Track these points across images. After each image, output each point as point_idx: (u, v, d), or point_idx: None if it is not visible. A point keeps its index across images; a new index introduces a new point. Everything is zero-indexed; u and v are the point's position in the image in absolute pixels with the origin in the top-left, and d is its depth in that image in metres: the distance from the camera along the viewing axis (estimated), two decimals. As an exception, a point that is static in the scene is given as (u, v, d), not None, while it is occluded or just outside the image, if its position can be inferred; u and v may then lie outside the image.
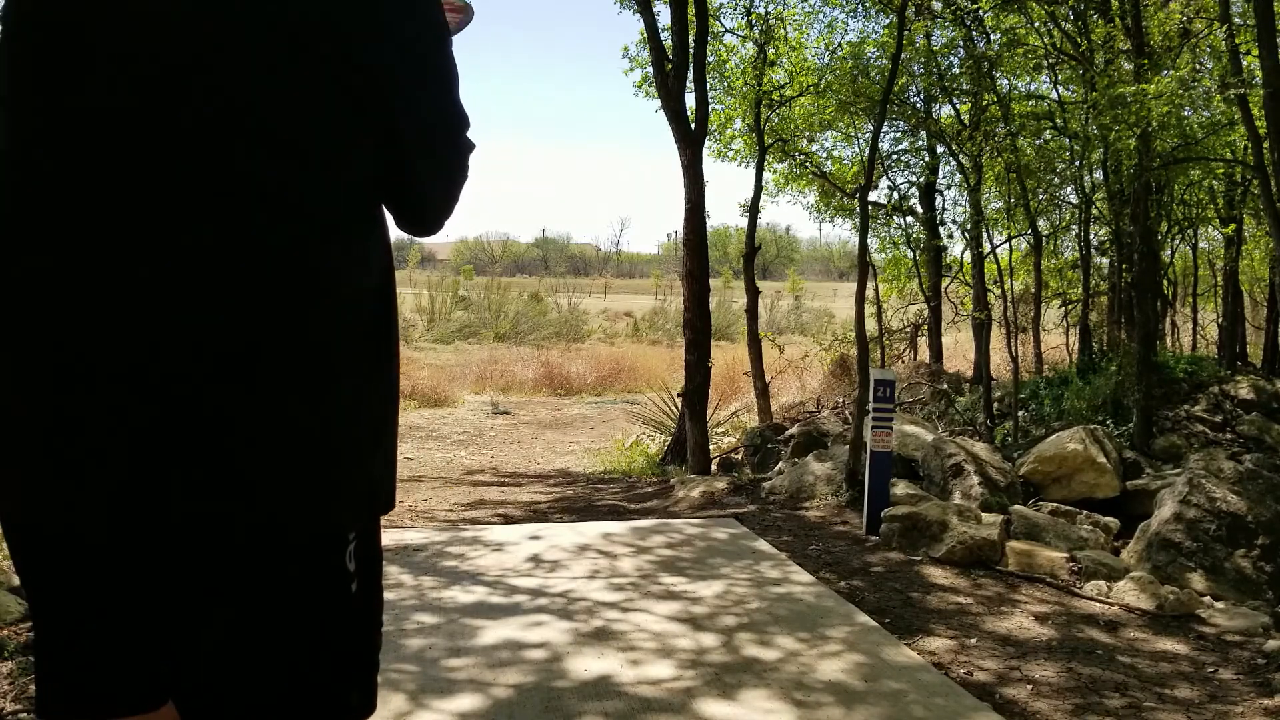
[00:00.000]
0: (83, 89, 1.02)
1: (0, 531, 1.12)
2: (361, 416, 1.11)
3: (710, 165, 30.09)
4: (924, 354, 11.78)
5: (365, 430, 1.12)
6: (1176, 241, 9.93)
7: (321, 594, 1.11)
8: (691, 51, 7.67)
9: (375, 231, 1.14)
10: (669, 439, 8.97)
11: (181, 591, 1.08)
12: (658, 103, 7.75)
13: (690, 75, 7.66)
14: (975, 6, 7.96)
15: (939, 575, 3.90)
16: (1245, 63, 6.43)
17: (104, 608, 1.08)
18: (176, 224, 1.01)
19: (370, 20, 1.07)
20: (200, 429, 1.01)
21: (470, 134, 1.21)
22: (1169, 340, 10.20)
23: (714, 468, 7.60)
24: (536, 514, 5.48)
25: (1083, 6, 7.74)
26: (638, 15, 8.19)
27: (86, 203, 1.02)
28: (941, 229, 11.19)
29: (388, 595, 2.32)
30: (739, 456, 8.44)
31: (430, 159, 1.15)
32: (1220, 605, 3.67)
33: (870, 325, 8.09)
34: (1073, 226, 9.73)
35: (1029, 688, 2.76)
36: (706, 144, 8.29)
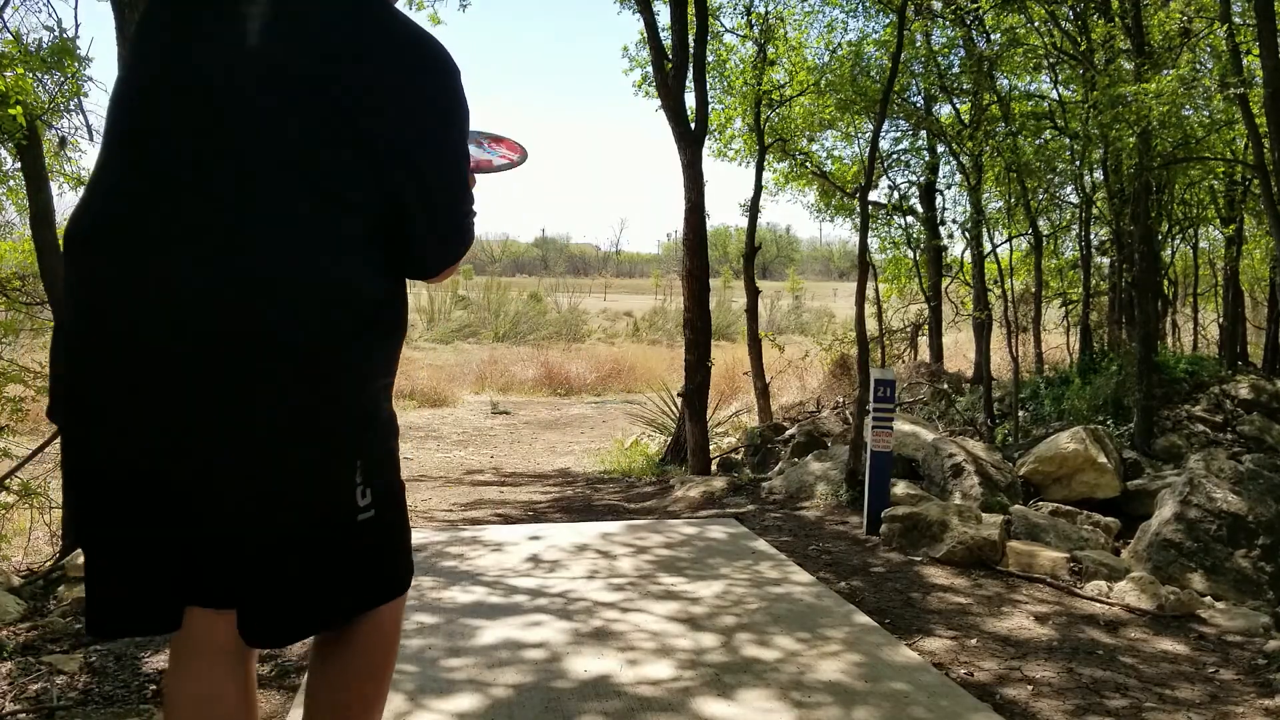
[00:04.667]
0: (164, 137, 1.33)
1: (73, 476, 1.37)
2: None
3: (710, 165, 30.03)
4: (924, 354, 11.78)
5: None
6: (1177, 241, 9.93)
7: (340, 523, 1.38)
8: (691, 51, 7.66)
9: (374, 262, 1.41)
10: (669, 439, 8.97)
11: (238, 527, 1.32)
12: (658, 102, 7.75)
13: (690, 75, 7.65)
14: (975, 6, 7.95)
15: (939, 575, 3.90)
16: (1245, 62, 6.43)
17: (154, 535, 1.33)
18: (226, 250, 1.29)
19: (396, 109, 1.35)
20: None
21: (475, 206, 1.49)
22: (1169, 340, 10.20)
23: (714, 468, 7.60)
24: (536, 514, 5.48)
25: (1083, 6, 7.73)
26: (637, 15, 8.19)
27: (153, 226, 1.30)
28: (941, 229, 11.19)
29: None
30: (739, 456, 8.43)
31: (436, 238, 1.45)
32: (1220, 605, 3.66)
33: (870, 325, 8.09)
34: (1073, 226, 9.73)
35: (1029, 688, 2.75)
36: (706, 143, 8.28)
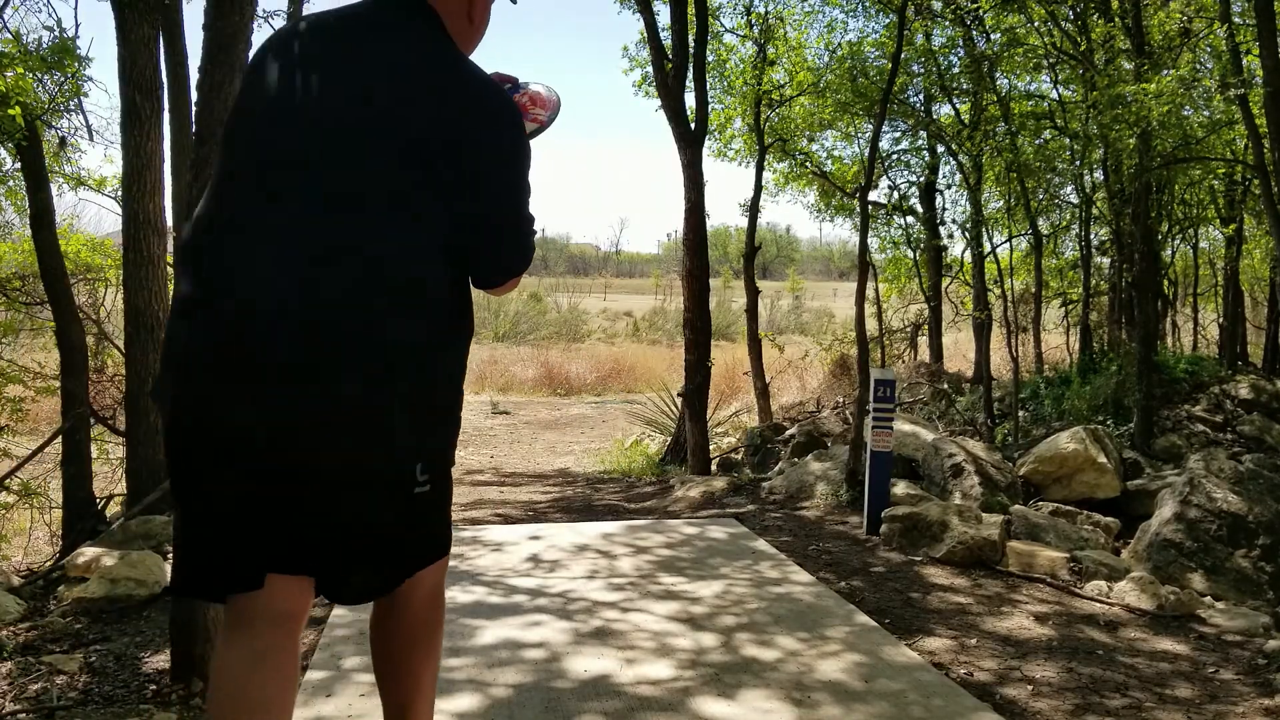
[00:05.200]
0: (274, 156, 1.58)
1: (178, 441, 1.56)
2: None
3: (710, 165, 30.03)
4: (924, 354, 11.78)
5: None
6: (1177, 241, 9.93)
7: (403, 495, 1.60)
8: (691, 51, 7.66)
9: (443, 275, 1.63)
10: (669, 439, 8.97)
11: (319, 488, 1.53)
12: (658, 102, 7.75)
13: (690, 75, 7.65)
14: (975, 6, 7.95)
15: (939, 575, 3.90)
16: (1245, 62, 6.43)
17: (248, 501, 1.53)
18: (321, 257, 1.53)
19: (469, 150, 1.59)
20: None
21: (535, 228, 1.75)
22: (1169, 340, 10.20)
23: (714, 468, 7.60)
24: (536, 514, 5.48)
25: (1083, 6, 7.73)
26: (637, 15, 8.19)
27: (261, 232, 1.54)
28: (941, 229, 11.19)
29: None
30: (739, 456, 8.43)
31: (499, 255, 1.69)
32: (1220, 605, 3.66)
33: (870, 325, 8.09)
34: (1073, 226, 9.73)
35: (1029, 688, 2.75)
36: (706, 143, 8.29)
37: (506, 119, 1.66)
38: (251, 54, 1.80)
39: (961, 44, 9.09)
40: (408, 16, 1.67)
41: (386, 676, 1.77)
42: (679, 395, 8.07)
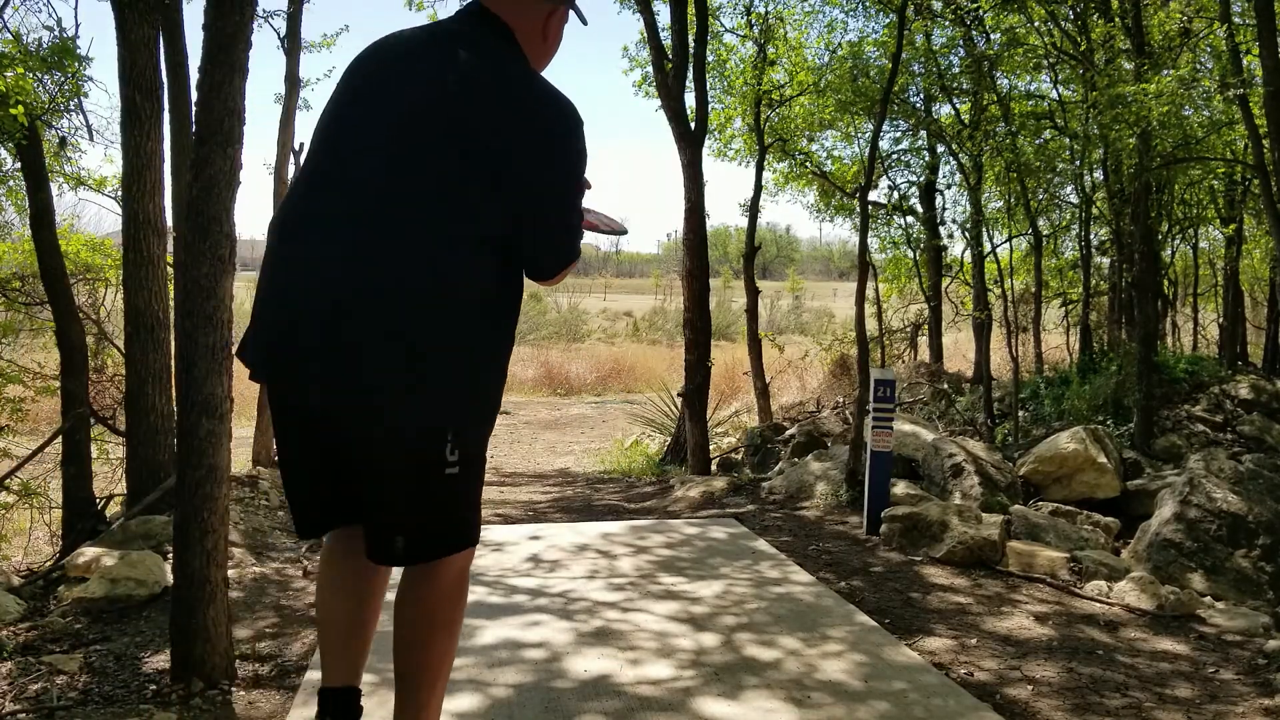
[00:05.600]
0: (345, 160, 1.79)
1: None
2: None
3: (710, 165, 30.04)
4: (924, 354, 11.78)
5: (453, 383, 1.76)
6: (1177, 241, 9.93)
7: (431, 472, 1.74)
8: (691, 51, 7.66)
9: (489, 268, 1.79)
10: (669, 439, 8.97)
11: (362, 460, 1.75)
12: (658, 102, 7.74)
13: (690, 75, 7.65)
14: (975, 6, 7.95)
15: (939, 575, 3.90)
16: (1245, 62, 6.43)
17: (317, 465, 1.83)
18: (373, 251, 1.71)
19: (522, 153, 1.73)
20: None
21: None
22: (1169, 340, 10.20)
23: (714, 468, 7.59)
24: (536, 514, 5.48)
25: (1083, 6, 7.73)
26: (638, 15, 8.19)
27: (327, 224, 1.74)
28: (941, 229, 11.19)
29: (387, 596, 2.49)
30: (739, 456, 8.43)
31: (549, 250, 1.85)
32: (1220, 605, 3.66)
33: (870, 325, 8.08)
34: (1073, 226, 9.73)
35: (1029, 688, 2.75)
36: (706, 143, 8.28)
37: (560, 129, 1.80)
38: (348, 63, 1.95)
39: (961, 44, 9.09)
40: (482, 30, 1.84)
41: (401, 654, 1.88)
42: (679, 395, 8.06)
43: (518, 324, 2.04)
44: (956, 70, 9.32)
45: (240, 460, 4.25)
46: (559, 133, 1.79)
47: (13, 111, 4.00)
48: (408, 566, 1.84)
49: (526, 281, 1.92)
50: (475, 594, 3.50)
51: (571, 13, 1.98)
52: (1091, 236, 9.24)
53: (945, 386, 9.43)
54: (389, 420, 1.70)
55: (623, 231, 2.24)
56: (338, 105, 1.85)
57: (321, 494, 1.86)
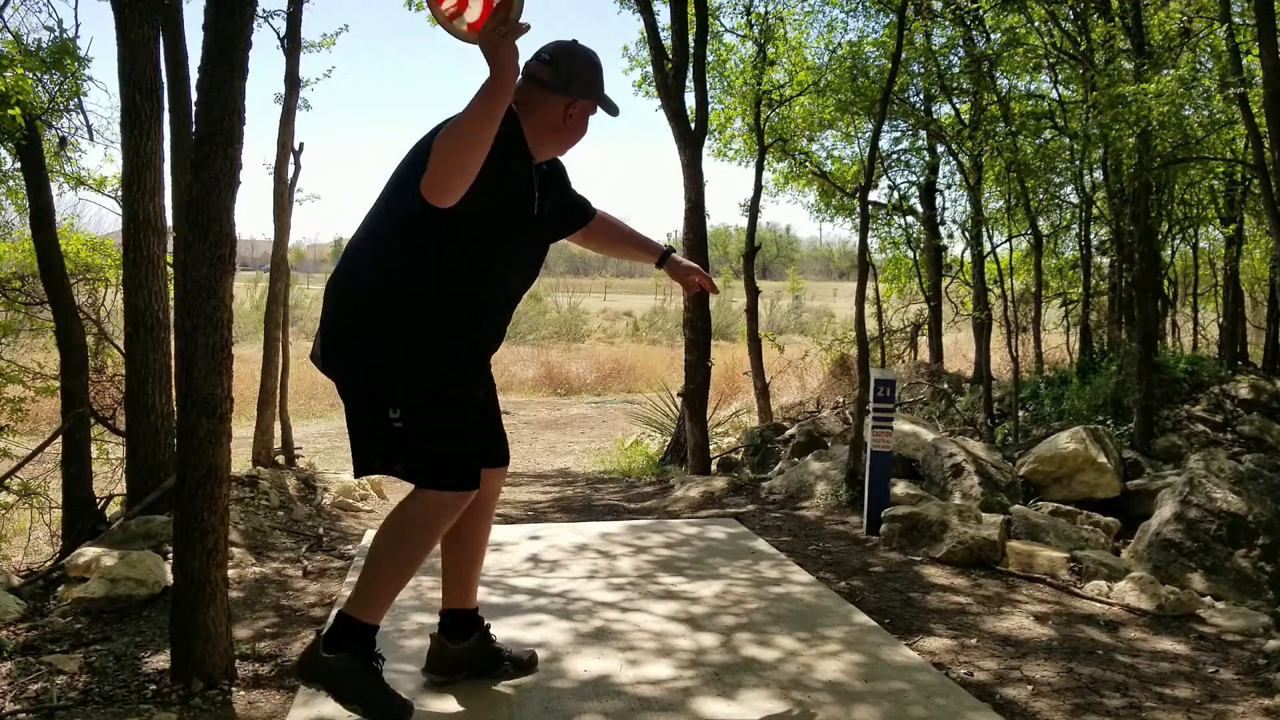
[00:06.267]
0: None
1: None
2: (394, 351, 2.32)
3: (710, 165, 30.02)
4: (924, 354, 11.78)
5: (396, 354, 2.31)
6: (1177, 241, 9.93)
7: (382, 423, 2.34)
8: (691, 51, 7.66)
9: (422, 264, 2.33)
10: (669, 439, 8.97)
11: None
12: (658, 102, 7.74)
13: (690, 75, 7.65)
14: (975, 6, 7.95)
15: (939, 575, 3.90)
16: (1245, 62, 6.43)
17: None
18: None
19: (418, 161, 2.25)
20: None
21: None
22: (1169, 340, 10.20)
23: (714, 468, 7.59)
24: (535, 514, 5.48)
25: (1083, 6, 7.73)
26: (637, 15, 8.19)
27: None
28: (941, 229, 11.19)
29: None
30: (739, 456, 8.43)
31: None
32: (1220, 605, 3.66)
33: (870, 325, 8.09)
34: (1073, 226, 9.73)
35: (1029, 688, 2.75)
36: (706, 143, 8.28)
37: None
38: None
39: (961, 44, 9.09)
40: None
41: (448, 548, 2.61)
42: (679, 395, 8.06)
43: (485, 319, 2.44)
44: (956, 70, 9.32)
45: (240, 460, 4.25)
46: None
47: (11, 112, 4.00)
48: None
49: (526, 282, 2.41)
50: (475, 594, 3.50)
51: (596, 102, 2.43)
52: (1091, 236, 9.25)
53: (945, 386, 9.43)
54: (347, 375, 2.37)
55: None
56: None
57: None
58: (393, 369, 2.30)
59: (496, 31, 2.06)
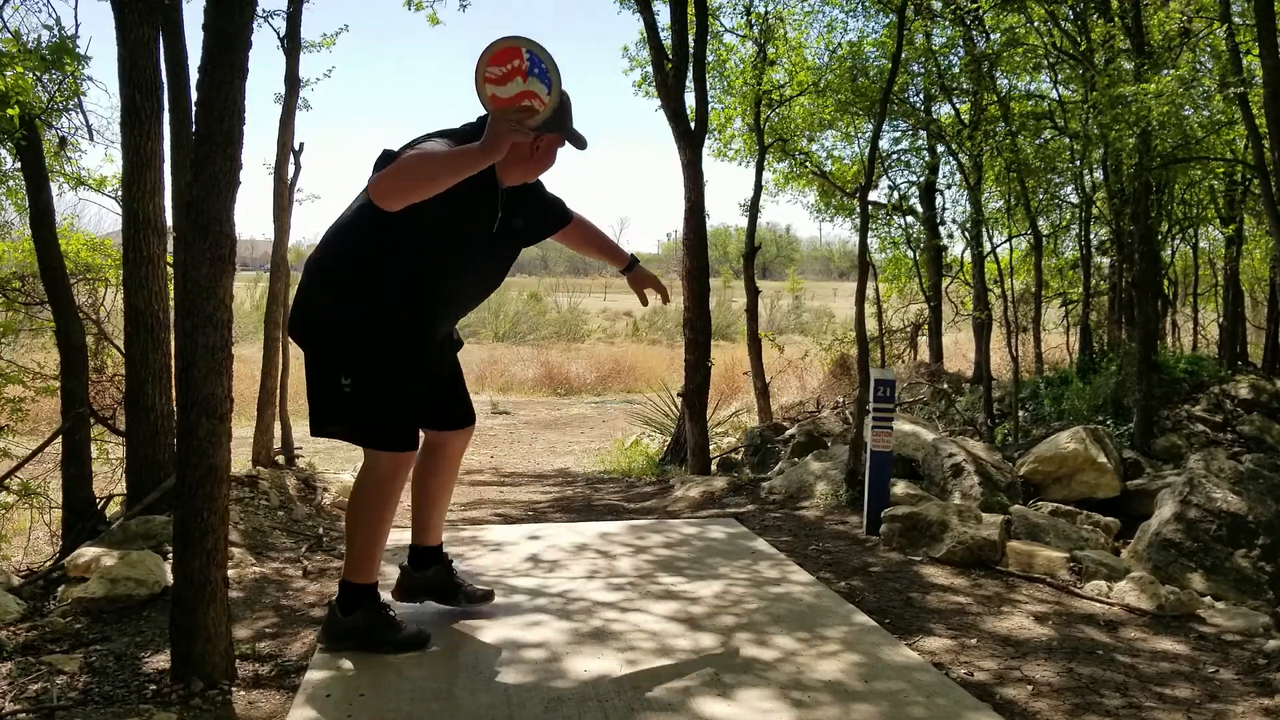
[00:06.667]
0: None
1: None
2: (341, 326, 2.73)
3: (710, 165, 30.04)
4: (924, 354, 11.78)
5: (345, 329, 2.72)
6: (1177, 241, 9.93)
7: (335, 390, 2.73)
8: (691, 51, 7.66)
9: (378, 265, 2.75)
10: (669, 439, 8.97)
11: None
12: (658, 102, 7.74)
13: (690, 75, 7.65)
14: (975, 6, 7.95)
15: (939, 575, 3.90)
16: (1245, 62, 6.43)
17: None
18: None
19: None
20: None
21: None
22: (1169, 340, 10.20)
23: (714, 468, 7.59)
24: (535, 514, 5.48)
25: (1083, 6, 7.73)
26: (637, 15, 8.18)
27: None
28: (941, 229, 11.19)
29: (387, 596, 3.13)
30: (739, 456, 8.43)
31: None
32: (1220, 605, 3.66)
33: (870, 325, 8.08)
34: (1073, 226, 9.73)
35: (1028, 688, 2.75)
36: (706, 143, 8.28)
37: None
38: None
39: (961, 44, 9.09)
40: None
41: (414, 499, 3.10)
42: (679, 395, 8.06)
43: (429, 309, 2.74)
44: (956, 70, 9.32)
45: (240, 460, 4.25)
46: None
47: (10, 113, 4.00)
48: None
49: (512, 281, 2.43)
50: (475, 594, 3.50)
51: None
52: (1091, 236, 9.24)
53: (945, 386, 9.43)
54: (313, 344, 2.74)
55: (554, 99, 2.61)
56: None
57: None
58: (345, 338, 2.69)
59: (513, 120, 2.36)
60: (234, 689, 2.60)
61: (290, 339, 2.94)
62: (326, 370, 2.69)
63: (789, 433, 8.00)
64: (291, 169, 5.83)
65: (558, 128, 2.68)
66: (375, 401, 2.68)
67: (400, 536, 3.56)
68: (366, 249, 2.67)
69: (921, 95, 10.52)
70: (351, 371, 2.66)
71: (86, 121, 5.12)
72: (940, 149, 10.71)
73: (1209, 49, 7.79)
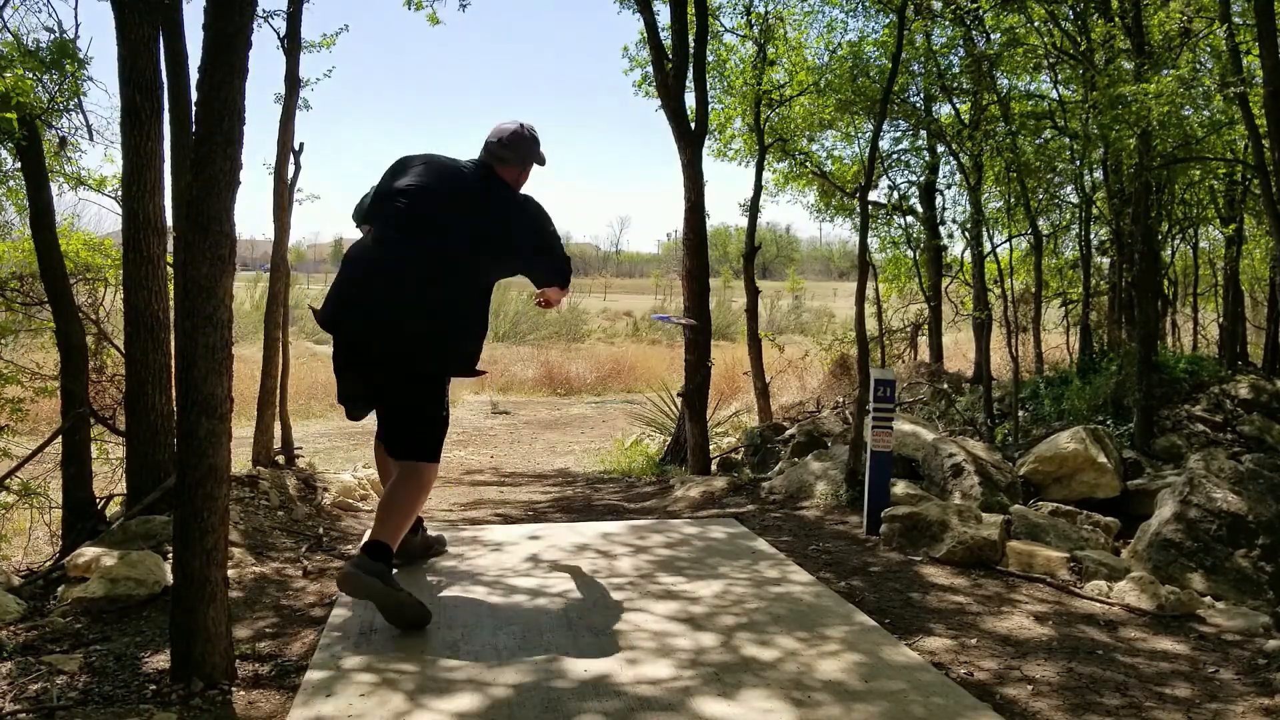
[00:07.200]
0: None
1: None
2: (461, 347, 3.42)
3: (710, 165, 30.04)
4: (924, 354, 11.78)
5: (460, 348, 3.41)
6: (1177, 241, 9.92)
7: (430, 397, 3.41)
8: (691, 51, 7.66)
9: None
10: (669, 439, 8.96)
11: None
12: (658, 102, 7.74)
13: (690, 75, 7.64)
14: (975, 6, 7.94)
15: (939, 575, 3.90)
16: (1245, 62, 6.43)
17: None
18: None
19: (516, 227, 3.50)
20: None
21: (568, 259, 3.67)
22: (1169, 340, 10.20)
23: (714, 468, 7.59)
24: (535, 514, 5.48)
25: (1083, 6, 7.72)
26: (637, 15, 8.18)
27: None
28: (941, 229, 11.18)
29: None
30: (739, 456, 8.43)
31: (550, 270, 3.64)
32: (1220, 605, 3.66)
33: (870, 325, 8.08)
34: (1073, 226, 9.73)
35: (1029, 687, 2.75)
36: (706, 143, 8.27)
37: (531, 205, 3.51)
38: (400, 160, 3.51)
39: (961, 44, 9.08)
40: (493, 181, 3.47)
41: (384, 499, 3.31)
42: (679, 395, 8.06)
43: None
44: (956, 70, 9.32)
45: (240, 460, 4.25)
46: (531, 208, 3.49)
47: (8, 115, 3.99)
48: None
49: (512, 281, 2.87)
50: (475, 594, 3.50)
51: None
52: (1091, 236, 9.24)
53: (945, 386, 9.42)
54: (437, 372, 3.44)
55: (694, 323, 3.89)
56: (403, 185, 3.37)
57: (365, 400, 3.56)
58: (457, 374, 3.46)
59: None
60: (234, 689, 2.60)
61: (412, 369, 3.30)
62: (441, 401, 3.37)
63: (789, 433, 7.99)
64: (291, 169, 5.82)
65: (534, 160, 3.59)
66: (443, 429, 3.42)
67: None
68: (484, 305, 3.46)
69: (921, 95, 10.52)
70: (446, 403, 3.41)
71: (86, 121, 5.11)
72: (940, 149, 10.70)
73: (1209, 49, 7.79)
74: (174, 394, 3.88)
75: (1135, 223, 7.42)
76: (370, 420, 3.65)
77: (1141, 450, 6.36)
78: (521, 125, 3.51)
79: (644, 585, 3.63)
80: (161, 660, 2.77)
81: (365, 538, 3.26)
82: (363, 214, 3.50)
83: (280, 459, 5.75)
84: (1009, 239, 9.42)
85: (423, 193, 3.30)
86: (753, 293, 9.62)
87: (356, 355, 3.34)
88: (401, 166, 3.41)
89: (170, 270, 4.27)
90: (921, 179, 11.28)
